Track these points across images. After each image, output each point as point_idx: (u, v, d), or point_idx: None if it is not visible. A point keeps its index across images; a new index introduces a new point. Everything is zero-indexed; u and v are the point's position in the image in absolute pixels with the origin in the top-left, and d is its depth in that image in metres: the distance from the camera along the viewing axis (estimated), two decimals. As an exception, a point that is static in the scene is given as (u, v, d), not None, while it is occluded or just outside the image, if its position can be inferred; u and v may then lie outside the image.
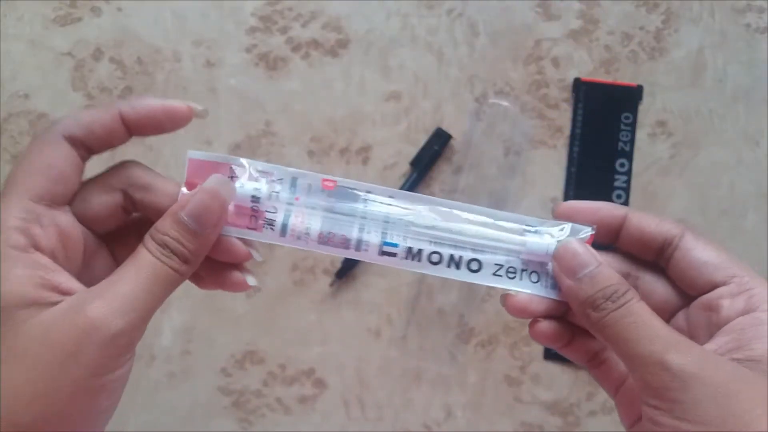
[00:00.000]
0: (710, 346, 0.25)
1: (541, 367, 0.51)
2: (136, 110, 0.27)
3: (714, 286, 0.26)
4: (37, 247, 0.24)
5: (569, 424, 0.51)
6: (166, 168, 0.51)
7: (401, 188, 0.51)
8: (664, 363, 0.23)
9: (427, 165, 0.51)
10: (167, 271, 0.24)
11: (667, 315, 0.28)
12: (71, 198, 0.26)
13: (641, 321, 0.24)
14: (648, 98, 0.53)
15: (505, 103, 0.52)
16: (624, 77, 0.53)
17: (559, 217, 0.28)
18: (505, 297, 0.28)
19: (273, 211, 0.28)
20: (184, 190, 0.27)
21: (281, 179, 0.29)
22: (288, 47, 0.52)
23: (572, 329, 0.28)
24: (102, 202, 0.26)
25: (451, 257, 0.29)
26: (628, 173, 0.52)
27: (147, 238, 0.25)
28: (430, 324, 0.52)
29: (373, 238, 0.28)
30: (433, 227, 0.29)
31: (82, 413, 0.23)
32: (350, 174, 0.52)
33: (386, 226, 0.29)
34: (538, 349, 0.51)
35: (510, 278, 0.28)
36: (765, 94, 0.53)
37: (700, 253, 0.26)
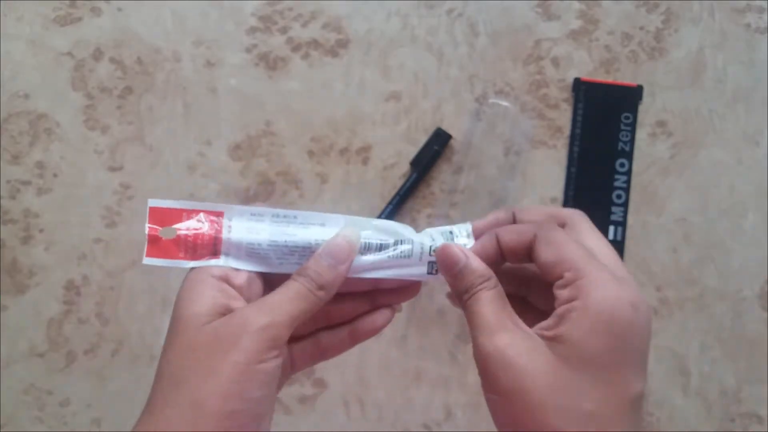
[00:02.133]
0: (534, 328, 0.30)
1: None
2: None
3: (556, 279, 0.30)
4: (229, 282, 0.31)
5: (569, 424, 0.51)
6: (166, 168, 0.51)
7: (401, 188, 0.51)
8: (475, 343, 0.29)
9: (427, 165, 0.51)
10: (306, 291, 0.31)
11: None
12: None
13: (477, 309, 0.30)
14: (648, 98, 0.53)
15: (505, 103, 0.52)
16: (624, 77, 0.53)
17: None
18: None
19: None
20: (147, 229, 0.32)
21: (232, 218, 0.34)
22: (288, 47, 0.52)
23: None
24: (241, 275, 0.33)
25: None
26: (628, 173, 0.52)
27: (295, 272, 0.32)
28: (430, 324, 0.52)
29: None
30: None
31: (238, 395, 0.28)
32: (350, 174, 0.52)
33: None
34: (538, 349, 0.51)
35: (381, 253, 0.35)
36: (765, 94, 0.53)
37: (543, 254, 0.30)
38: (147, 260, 0.32)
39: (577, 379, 0.27)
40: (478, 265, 0.31)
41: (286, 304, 0.30)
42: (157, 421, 0.29)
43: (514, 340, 0.28)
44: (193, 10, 0.52)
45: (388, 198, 0.51)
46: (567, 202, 0.52)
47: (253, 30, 0.52)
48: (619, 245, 0.52)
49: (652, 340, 0.54)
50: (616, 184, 0.52)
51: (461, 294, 0.31)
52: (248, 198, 0.52)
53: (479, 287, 0.30)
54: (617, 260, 0.31)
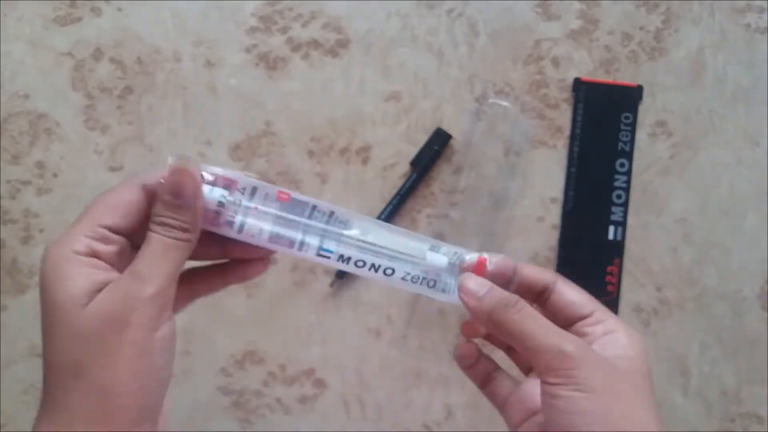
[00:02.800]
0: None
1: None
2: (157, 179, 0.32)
3: (581, 318, 0.33)
4: (97, 256, 0.29)
5: (569, 424, 0.51)
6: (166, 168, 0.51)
7: (401, 188, 0.51)
8: (561, 349, 0.29)
9: (427, 165, 0.51)
10: (173, 242, 0.30)
11: None
12: (131, 230, 0.31)
13: (539, 320, 0.31)
14: (648, 98, 0.53)
15: (505, 103, 0.52)
16: (624, 77, 0.53)
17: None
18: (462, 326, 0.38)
19: (234, 214, 0.34)
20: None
21: (244, 188, 0.35)
22: (288, 47, 0.52)
23: (478, 354, 0.38)
24: (132, 201, 0.31)
25: (372, 264, 0.37)
26: (628, 173, 0.52)
27: (150, 223, 0.30)
28: (430, 324, 0.52)
29: (314, 241, 0.35)
30: (360, 239, 0.36)
31: (144, 369, 0.28)
32: (350, 174, 0.52)
33: (324, 234, 0.36)
34: (538, 349, 0.51)
35: (413, 283, 0.38)
36: (765, 94, 0.53)
37: (570, 295, 0.34)
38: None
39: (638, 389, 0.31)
40: (502, 290, 0.33)
41: (161, 263, 0.29)
42: (64, 416, 0.27)
43: (596, 351, 0.31)
44: (193, 10, 0.52)
45: (388, 198, 0.51)
46: (567, 202, 0.52)
47: (253, 30, 0.52)
48: (619, 245, 0.52)
49: (653, 340, 0.54)
50: (616, 184, 0.52)
51: (492, 313, 0.32)
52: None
53: (523, 303, 0.32)
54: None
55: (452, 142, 0.52)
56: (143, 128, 0.52)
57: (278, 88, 0.52)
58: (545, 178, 0.52)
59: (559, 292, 0.34)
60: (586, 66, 0.52)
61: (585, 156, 0.52)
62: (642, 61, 0.53)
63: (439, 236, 0.52)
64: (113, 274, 0.29)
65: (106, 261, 0.29)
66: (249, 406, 0.51)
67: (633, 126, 0.52)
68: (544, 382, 0.30)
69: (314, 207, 0.36)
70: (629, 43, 0.53)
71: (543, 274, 0.35)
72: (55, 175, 0.52)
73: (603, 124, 0.52)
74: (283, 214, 0.35)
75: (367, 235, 0.37)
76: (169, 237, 0.30)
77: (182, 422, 0.51)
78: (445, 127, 0.52)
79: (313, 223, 0.36)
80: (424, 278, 0.38)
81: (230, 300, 0.51)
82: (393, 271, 0.38)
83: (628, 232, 0.52)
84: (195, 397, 0.51)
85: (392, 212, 0.51)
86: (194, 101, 0.52)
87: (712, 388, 0.52)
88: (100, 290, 0.28)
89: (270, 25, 0.52)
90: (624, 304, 0.52)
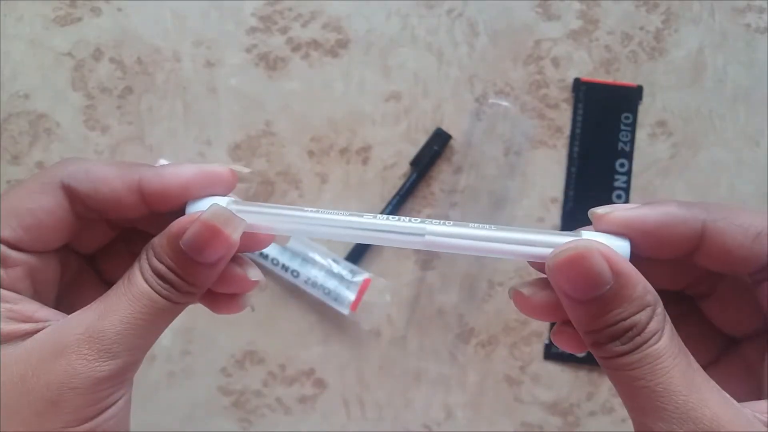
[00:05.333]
0: (761, 406, 0.19)
1: (541, 367, 0.51)
2: (162, 179, 0.22)
3: None
4: None
5: (569, 424, 0.51)
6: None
7: (401, 188, 0.51)
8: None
9: (427, 165, 0.51)
10: (164, 303, 0.21)
11: (714, 348, 0.23)
12: (42, 248, 0.22)
13: (654, 380, 0.18)
14: (648, 98, 0.53)
15: (505, 103, 0.52)
16: (624, 77, 0.53)
17: (603, 230, 0.21)
18: (514, 293, 0.22)
19: None
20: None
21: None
22: (288, 47, 0.52)
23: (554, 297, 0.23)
24: (43, 206, 0.22)
25: (284, 265, 0.48)
26: (628, 173, 0.52)
27: (142, 259, 0.21)
28: (430, 324, 0.52)
29: None
30: None
31: None
32: (350, 174, 0.52)
33: None
34: (538, 349, 0.51)
35: (312, 287, 0.46)
36: (765, 94, 0.53)
37: (747, 243, 0.20)
38: None
39: None
40: (638, 287, 0.19)
41: (135, 330, 0.20)
42: None
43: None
44: (193, 10, 0.52)
45: (388, 198, 0.51)
46: (567, 202, 0.52)
47: (253, 30, 0.52)
48: (619, 245, 0.52)
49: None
50: (616, 184, 0.52)
51: (596, 340, 0.19)
52: (248, 198, 0.52)
53: (645, 337, 0.19)
54: None
55: (452, 142, 0.52)
56: (143, 128, 0.52)
57: (278, 88, 0.52)
58: (545, 178, 0.52)
59: (729, 242, 0.20)
60: (586, 66, 0.52)
61: (585, 156, 0.52)
62: (642, 61, 0.53)
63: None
64: (29, 305, 0.21)
65: (11, 288, 0.21)
66: (249, 406, 0.51)
67: (633, 126, 0.52)
68: None
69: None
70: (629, 43, 0.53)
71: (760, 244, 0.20)
72: (55, 175, 0.52)
73: (603, 124, 0.52)
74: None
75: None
76: (165, 296, 0.21)
77: (182, 422, 0.51)
78: (445, 127, 0.52)
79: None
80: (321, 285, 0.48)
81: (230, 300, 0.51)
82: (298, 273, 0.48)
83: (628, 232, 0.52)
84: (195, 397, 0.51)
85: (392, 212, 0.51)
86: (194, 101, 0.52)
87: (712, 388, 0.52)
88: (12, 338, 0.20)
89: (270, 25, 0.52)
90: (624, 304, 0.52)
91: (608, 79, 0.52)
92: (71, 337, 0.20)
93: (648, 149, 0.52)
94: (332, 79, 0.52)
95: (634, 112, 0.52)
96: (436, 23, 0.52)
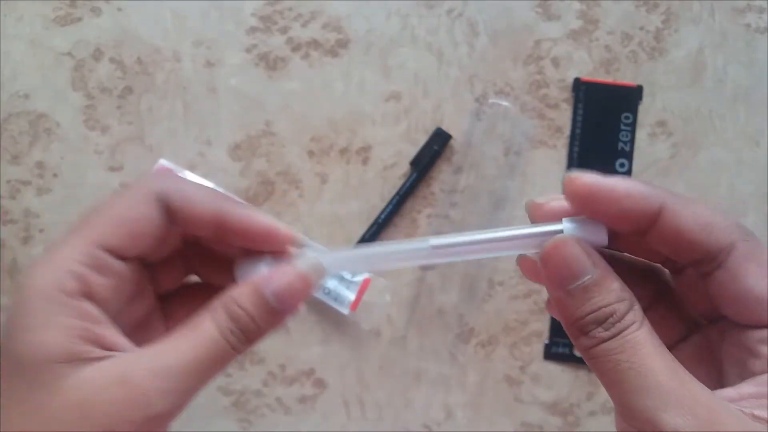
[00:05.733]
0: (729, 392, 0.20)
1: (541, 367, 0.51)
2: (246, 220, 0.23)
3: (760, 325, 0.21)
4: (90, 296, 0.21)
5: (569, 424, 0.51)
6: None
7: (401, 188, 0.51)
8: (656, 422, 0.19)
9: (427, 165, 0.51)
10: (226, 347, 0.22)
11: (682, 327, 0.24)
12: (139, 256, 0.23)
13: (637, 362, 0.20)
14: (648, 98, 0.53)
15: (505, 103, 0.52)
16: (624, 77, 0.53)
17: (571, 198, 0.23)
18: (520, 259, 0.25)
19: None
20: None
21: None
22: (288, 47, 0.52)
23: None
24: (144, 215, 0.23)
25: None
26: (628, 173, 0.52)
27: (217, 307, 0.22)
28: (430, 324, 0.52)
29: None
30: None
31: None
32: (350, 174, 0.52)
33: None
34: (538, 349, 0.51)
35: None
36: (765, 94, 0.53)
37: (749, 281, 0.20)
38: None
39: None
40: (614, 282, 0.21)
41: (195, 374, 0.21)
42: None
43: (719, 416, 0.19)
44: (193, 10, 0.52)
45: (388, 198, 0.51)
46: (567, 202, 0.52)
47: (253, 30, 0.52)
48: (619, 245, 0.52)
49: (652, 340, 0.53)
50: (616, 184, 0.52)
51: (581, 327, 0.21)
52: (248, 198, 0.52)
53: (626, 323, 0.20)
54: None
55: (452, 142, 0.52)
56: (143, 128, 0.52)
57: (278, 88, 0.52)
58: (545, 178, 0.52)
59: (731, 271, 0.21)
60: (586, 66, 0.52)
61: (585, 156, 0.52)
62: (642, 61, 0.53)
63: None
64: (105, 329, 0.21)
65: (99, 303, 0.22)
66: (249, 406, 0.51)
67: (633, 126, 0.52)
68: None
69: None
70: (629, 43, 0.53)
71: (709, 233, 0.21)
72: (55, 175, 0.52)
73: (603, 124, 0.52)
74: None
75: None
76: (229, 341, 0.22)
77: (182, 422, 0.51)
78: (445, 127, 0.52)
79: None
80: (321, 285, 0.46)
81: (230, 300, 0.51)
82: None
83: (628, 232, 0.52)
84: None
85: (392, 212, 0.51)
86: (194, 101, 0.52)
87: (712, 388, 0.52)
88: (84, 356, 0.20)
89: (270, 25, 0.52)
90: (624, 304, 0.52)
91: (608, 79, 0.52)
92: (136, 371, 0.20)
93: (648, 149, 0.52)
94: (332, 79, 0.52)
95: (634, 112, 0.52)
96: (436, 23, 0.52)
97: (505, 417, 0.51)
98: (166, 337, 0.22)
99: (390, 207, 0.51)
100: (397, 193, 0.51)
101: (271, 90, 0.52)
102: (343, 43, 0.52)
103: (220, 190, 0.25)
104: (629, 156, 0.52)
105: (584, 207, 0.22)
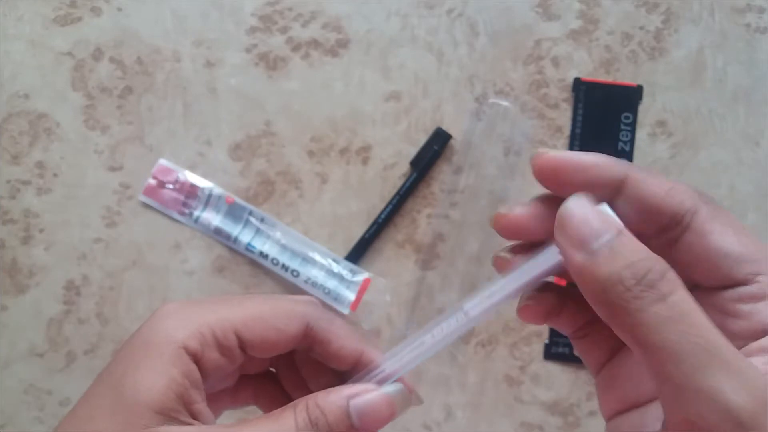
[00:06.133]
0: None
1: (541, 367, 0.51)
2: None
3: (732, 284, 0.20)
4: (198, 362, 0.23)
5: (569, 424, 0.51)
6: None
7: (401, 188, 0.51)
8: (727, 404, 0.17)
9: (427, 165, 0.51)
10: None
11: None
12: (260, 356, 0.25)
13: (695, 330, 0.17)
14: (648, 98, 0.53)
15: (505, 103, 0.52)
16: (624, 77, 0.53)
17: (539, 173, 0.23)
18: (495, 259, 0.26)
19: (194, 208, 0.51)
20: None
21: (203, 190, 0.50)
22: (288, 47, 0.52)
23: (560, 299, 0.24)
24: (285, 330, 0.25)
25: (284, 264, 0.49)
26: (628, 173, 0.52)
27: (300, 405, 0.23)
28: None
29: (245, 238, 0.50)
30: (280, 242, 0.49)
31: None
32: (350, 174, 0.52)
33: (256, 234, 0.50)
34: (538, 349, 0.51)
35: (312, 287, 0.49)
36: (765, 94, 0.53)
37: (717, 238, 0.20)
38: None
39: None
40: (638, 242, 0.19)
41: None
42: None
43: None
44: (193, 10, 0.52)
45: (388, 198, 0.52)
46: (567, 202, 0.52)
47: (253, 30, 0.52)
48: (619, 245, 0.52)
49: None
50: (616, 184, 0.52)
51: (616, 286, 0.18)
52: (248, 198, 0.52)
53: (674, 285, 0.18)
54: None
55: (452, 142, 0.52)
56: (143, 128, 0.52)
57: (278, 88, 0.52)
58: (545, 178, 0.52)
59: (697, 231, 0.20)
60: (586, 66, 0.53)
61: (585, 156, 0.52)
62: (642, 61, 0.53)
63: (439, 236, 0.52)
64: (197, 395, 0.23)
65: (202, 372, 0.23)
66: (249, 406, 0.51)
67: (633, 126, 0.52)
68: None
69: (250, 212, 0.50)
70: (629, 43, 0.53)
71: (671, 197, 0.21)
72: (55, 175, 0.52)
73: (603, 124, 0.52)
74: (230, 213, 0.50)
75: (285, 237, 0.49)
76: None
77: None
78: (445, 127, 0.52)
79: (251, 219, 0.50)
80: (321, 285, 0.49)
81: (230, 300, 0.51)
82: (298, 273, 0.49)
83: (628, 232, 0.52)
84: (195, 397, 0.51)
85: (392, 212, 0.51)
86: (194, 101, 0.52)
87: (712, 388, 0.52)
88: (172, 412, 0.22)
89: (270, 25, 0.52)
90: (624, 304, 0.52)
91: (608, 79, 0.52)
92: None
93: (648, 149, 0.52)
94: (332, 79, 0.52)
95: (634, 112, 0.52)
96: (436, 23, 0.52)
97: (505, 417, 0.51)
98: (247, 421, 0.23)
99: (390, 207, 0.51)
100: (397, 193, 0.51)
101: (271, 90, 0.52)
102: (343, 43, 0.52)
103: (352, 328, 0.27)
104: (629, 156, 0.52)
105: (553, 180, 0.22)
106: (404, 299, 0.52)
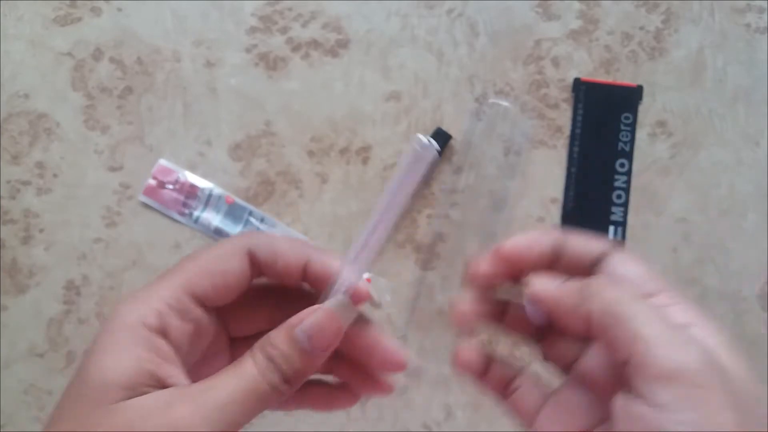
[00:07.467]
0: None
1: (540, 366, 0.51)
2: (323, 267, 0.27)
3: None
4: (166, 335, 0.24)
5: (569, 424, 0.51)
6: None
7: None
8: (677, 366, 0.20)
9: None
10: (265, 387, 0.23)
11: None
12: (221, 304, 0.26)
13: (649, 314, 0.22)
14: (648, 98, 0.53)
15: (505, 103, 0.52)
16: (624, 77, 0.53)
17: (500, 260, 0.27)
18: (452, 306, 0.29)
19: (194, 208, 0.50)
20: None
21: (203, 190, 0.51)
22: (288, 47, 0.52)
23: (487, 358, 0.29)
24: (234, 268, 0.26)
25: None
26: (628, 173, 0.52)
27: (256, 348, 0.24)
28: (430, 324, 0.52)
29: None
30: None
31: None
32: (350, 174, 0.52)
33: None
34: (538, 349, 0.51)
35: None
36: (765, 94, 0.53)
37: (623, 270, 0.24)
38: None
39: None
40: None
41: (234, 407, 0.22)
42: None
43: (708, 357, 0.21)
44: (193, 10, 0.52)
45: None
46: (567, 202, 0.52)
47: (253, 30, 0.52)
48: (619, 245, 0.52)
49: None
50: (616, 184, 0.52)
51: (589, 295, 0.23)
52: (248, 198, 0.52)
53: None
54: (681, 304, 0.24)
55: (452, 142, 0.52)
56: (143, 128, 0.52)
57: (278, 88, 0.52)
58: (545, 178, 0.52)
59: (610, 269, 0.25)
60: (586, 66, 0.52)
61: (585, 156, 0.52)
62: (642, 61, 0.53)
63: (439, 236, 0.52)
64: (171, 369, 0.23)
65: (172, 343, 0.24)
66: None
67: (633, 126, 0.52)
68: (637, 395, 0.21)
69: (250, 212, 0.50)
70: (629, 43, 0.53)
71: (591, 245, 0.25)
72: (55, 175, 0.52)
73: (603, 124, 0.52)
74: (231, 213, 0.49)
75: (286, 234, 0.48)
76: (266, 379, 0.23)
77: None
78: (445, 127, 0.52)
79: (251, 220, 0.50)
80: None
81: (230, 300, 0.51)
82: None
83: (628, 232, 0.52)
84: (195, 397, 0.51)
85: (392, 212, 0.51)
86: (194, 101, 0.52)
87: (712, 388, 0.52)
88: (143, 387, 0.22)
89: (270, 25, 0.52)
90: (624, 304, 0.52)
91: (608, 79, 0.52)
92: (179, 403, 0.22)
93: (648, 149, 0.52)
94: (332, 79, 0.52)
95: (634, 112, 0.52)
96: (436, 23, 0.52)
97: (505, 417, 0.51)
98: (213, 375, 0.23)
99: (390, 207, 0.51)
100: (397, 193, 0.51)
101: (271, 90, 0.52)
102: (343, 43, 0.52)
103: (304, 239, 0.27)
104: (629, 156, 0.52)
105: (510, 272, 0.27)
106: (404, 299, 0.52)
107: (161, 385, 0.23)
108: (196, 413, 0.22)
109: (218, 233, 0.50)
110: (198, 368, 0.26)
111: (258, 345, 0.24)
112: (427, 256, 0.52)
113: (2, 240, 0.51)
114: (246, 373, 0.23)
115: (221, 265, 0.25)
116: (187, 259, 0.25)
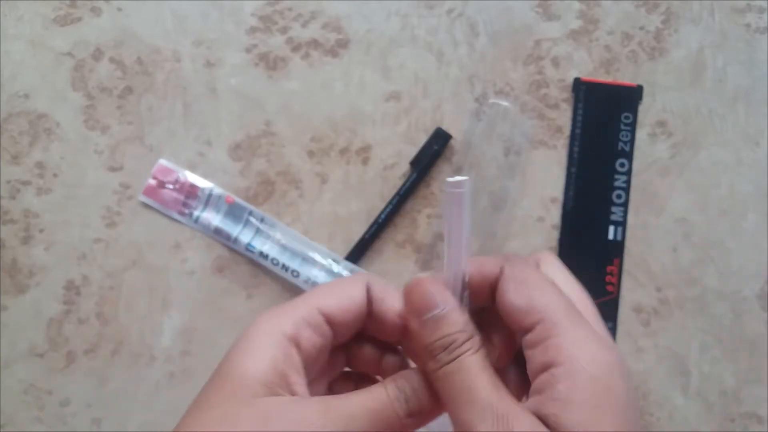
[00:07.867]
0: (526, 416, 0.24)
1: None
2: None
3: (525, 331, 0.25)
4: (298, 346, 0.26)
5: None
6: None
7: (401, 188, 0.51)
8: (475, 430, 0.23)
9: (426, 165, 0.51)
10: (392, 414, 0.25)
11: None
12: (343, 326, 0.28)
13: (466, 380, 0.24)
14: (648, 98, 0.53)
15: (505, 103, 0.52)
16: (624, 77, 0.53)
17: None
18: None
19: (194, 208, 0.51)
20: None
21: (203, 190, 0.51)
22: (288, 47, 0.52)
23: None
24: (355, 296, 0.28)
25: (284, 264, 0.49)
26: (628, 173, 0.52)
27: (388, 380, 0.26)
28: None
29: (245, 238, 0.50)
30: (280, 242, 0.50)
31: None
32: (350, 174, 0.52)
33: (256, 234, 0.50)
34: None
35: (313, 287, 0.43)
36: (765, 94, 0.53)
37: (511, 296, 0.25)
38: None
39: None
40: (459, 317, 0.26)
41: (363, 420, 0.24)
42: None
43: (516, 420, 0.23)
44: (193, 10, 0.52)
45: (388, 198, 0.51)
46: (567, 202, 0.52)
47: (253, 30, 0.52)
48: (619, 245, 0.52)
49: (653, 340, 0.54)
50: (616, 184, 0.52)
51: (430, 351, 0.25)
52: (248, 198, 0.52)
53: (463, 349, 0.25)
54: (594, 310, 0.27)
55: (452, 142, 0.52)
56: (143, 128, 0.52)
57: (278, 88, 0.52)
58: (545, 178, 0.52)
59: (501, 292, 0.26)
60: (586, 66, 0.52)
61: (585, 156, 0.52)
62: (642, 61, 0.53)
63: (439, 236, 0.52)
64: (297, 377, 0.26)
65: (301, 354, 0.26)
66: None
67: (633, 126, 0.52)
68: None
69: (250, 212, 0.50)
70: (629, 43, 0.53)
71: (484, 270, 0.27)
72: (55, 175, 0.52)
73: (603, 124, 0.52)
74: (230, 213, 0.50)
75: (285, 237, 0.49)
76: (395, 410, 0.25)
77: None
78: (445, 127, 0.52)
79: (251, 219, 0.50)
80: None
81: (230, 300, 0.51)
82: (298, 273, 0.49)
83: (628, 232, 0.52)
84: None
85: (392, 212, 0.51)
86: (194, 101, 0.52)
87: (712, 388, 0.52)
88: (279, 386, 0.25)
89: (270, 25, 0.52)
90: (624, 304, 0.52)
91: (608, 79, 0.52)
92: (308, 404, 0.25)
93: (648, 149, 0.52)
94: (332, 79, 0.52)
95: (634, 112, 0.52)
96: (436, 23, 0.52)
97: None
98: (344, 394, 0.26)
99: (390, 207, 0.51)
100: (397, 193, 0.51)
101: (271, 90, 0.52)
102: (343, 43, 0.52)
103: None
104: (629, 156, 0.52)
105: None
106: (404, 299, 0.52)
107: (290, 390, 0.25)
108: (327, 416, 0.24)
109: (218, 233, 0.50)
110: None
111: (390, 378, 0.26)
112: (427, 256, 0.52)
113: (2, 240, 0.51)
114: (377, 397, 0.25)
115: (346, 290, 0.28)
116: (317, 289, 0.29)
